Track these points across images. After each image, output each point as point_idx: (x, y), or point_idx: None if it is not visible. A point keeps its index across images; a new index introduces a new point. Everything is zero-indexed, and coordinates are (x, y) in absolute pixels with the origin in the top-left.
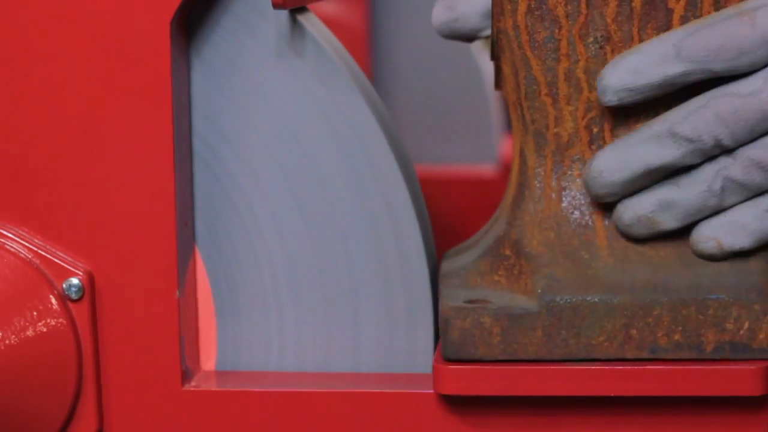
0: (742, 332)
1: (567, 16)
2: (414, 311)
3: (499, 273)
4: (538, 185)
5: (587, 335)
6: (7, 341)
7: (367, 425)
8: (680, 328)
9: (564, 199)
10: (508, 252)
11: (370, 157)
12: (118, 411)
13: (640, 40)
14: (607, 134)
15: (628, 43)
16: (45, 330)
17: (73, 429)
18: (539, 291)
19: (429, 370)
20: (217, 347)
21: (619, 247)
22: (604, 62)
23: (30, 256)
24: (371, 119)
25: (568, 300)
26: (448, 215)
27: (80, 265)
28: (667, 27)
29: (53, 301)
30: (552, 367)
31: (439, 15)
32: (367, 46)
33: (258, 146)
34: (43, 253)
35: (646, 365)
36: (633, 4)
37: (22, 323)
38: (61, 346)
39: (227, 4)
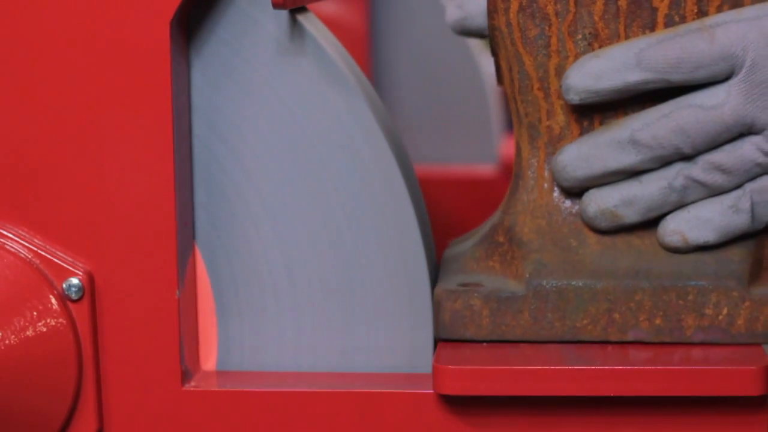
0: (720, 318)
1: (556, 14)
2: (414, 311)
3: (494, 259)
4: (531, 176)
5: (572, 318)
6: (7, 341)
7: (367, 425)
8: (661, 313)
9: (555, 189)
10: (501, 239)
11: (370, 157)
12: (118, 411)
13: (627, 37)
14: (596, 127)
15: (614, 39)
16: (45, 330)
17: (73, 429)
18: (527, 275)
19: (429, 370)
20: (217, 347)
21: (607, 235)
22: None
23: (30, 256)
24: (371, 119)
25: (554, 284)
26: (448, 215)
27: (80, 265)
28: (653, 25)
29: (53, 301)
30: (552, 367)
31: (451, 14)
32: (367, 46)
33: (258, 146)
34: (43, 253)
35: (646, 366)
36: (619, 3)
37: (22, 323)
38: (61, 346)
39: (227, 3)
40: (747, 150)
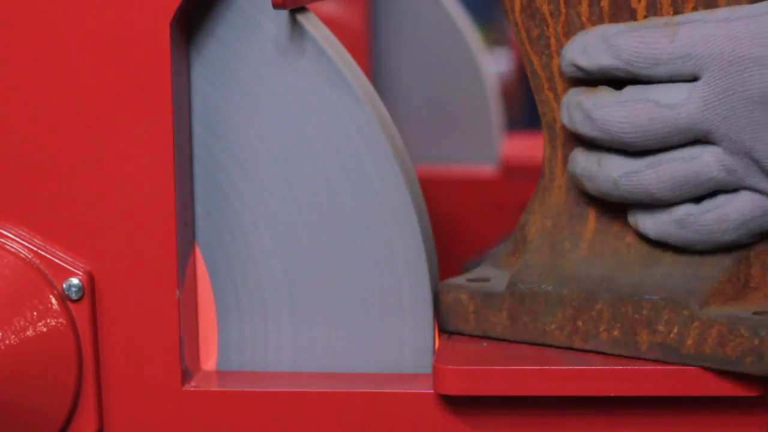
0: (671, 336)
1: (551, 14)
2: (414, 311)
3: (515, 255)
4: (549, 175)
5: (542, 321)
6: (7, 341)
7: (367, 425)
8: (618, 325)
9: (570, 191)
10: (519, 236)
11: (370, 157)
12: (118, 411)
13: None
14: None
15: None
16: (45, 330)
17: (73, 429)
18: (511, 275)
19: (429, 370)
20: (218, 347)
21: (599, 241)
22: None
23: (30, 256)
24: (371, 119)
25: (528, 286)
26: (448, 215)
27: (80, 265)
28: None
29: (53, 301)
30: (552, 368)
31: None
32: (367, 46)
33: (258, 146)
34: (43, 253)
35: (646, 365)
36: (601, 4)
37: (22, 323)
38: (61, 346)
39: (227, 4)
40: (705, 162)
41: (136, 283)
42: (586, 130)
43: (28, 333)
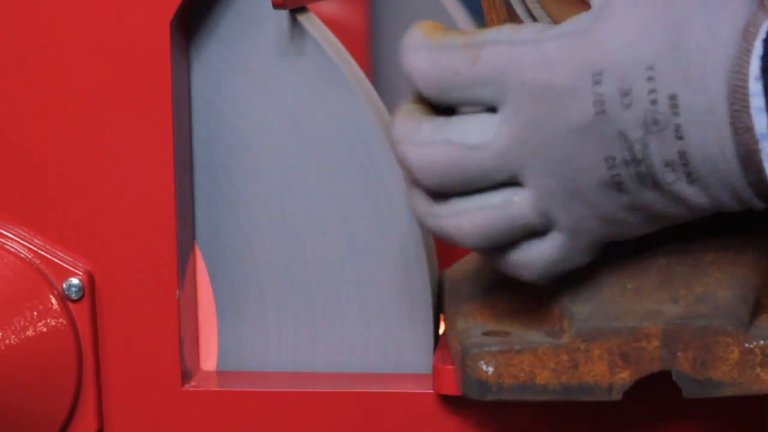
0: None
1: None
2: (414, 311)
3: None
4: None
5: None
6: (7, 341)
7: (367, 425)
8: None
9: None
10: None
11: (370, 157)
12: (118, 411)
13: None
14: None
15: None
16: (45, 330)
17: (73, 429)
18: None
19: (429, 370)
20: (218, 347)
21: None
22: None
23: (30, 256)
24: (371, 119)
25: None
26: None
27: (80, 265)
28: None
29: (53, 301)
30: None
31: None
32: (367, 46)
33: (258, 146)
34: (43, 253)
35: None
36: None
37: (22, 323)
38: (61, 346)
39: (227, 4)
40: (518, 207)
41: (136, 283)
42: (396, 159)
43: (28, 333)
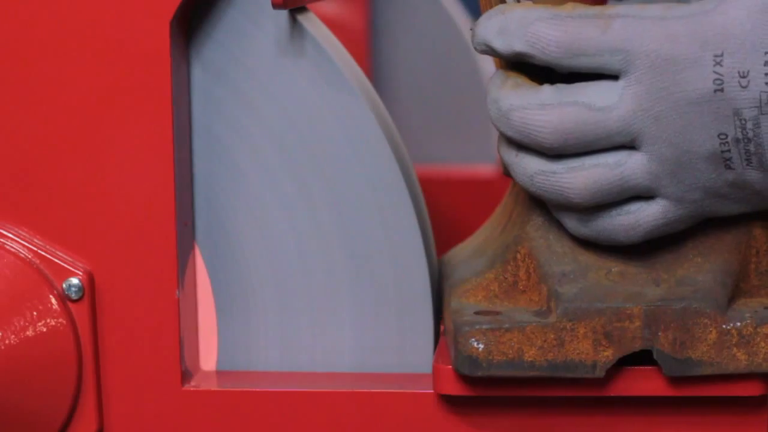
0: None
1: None
2: (414, 311)
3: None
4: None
5: None
6: (7, 341)
7: (367, 425)
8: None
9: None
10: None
11: (370, 157)
12: (118, 411)
13: None
14: None
15: None
16: (45, 330)
17: (73, 429)
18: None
19: (429, 370)
20: (217, 347)
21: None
22: None
23: (30, 256)
24: (371, 119)
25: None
26: (448, 215)
27: (80, 265)
28: None
29: (53, 301)
30: None
31: None
32: (367, 46)
33: (258, 146)
34: (43, 253)
35: (645, 366)
36: None
37: (22, 323)
38: (61, 346)
39: (227, 4)
40: (631, 169)
41: (136, 283)
42: (502, 128)
43: (28, 333)
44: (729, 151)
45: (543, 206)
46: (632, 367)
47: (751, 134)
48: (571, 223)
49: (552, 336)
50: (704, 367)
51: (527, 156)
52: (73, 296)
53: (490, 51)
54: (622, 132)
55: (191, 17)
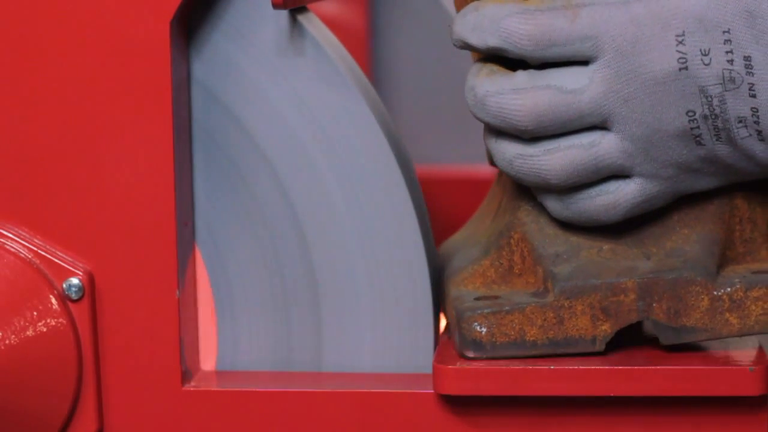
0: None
1: None
2: (414, 311)
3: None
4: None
5: None
6: (7, 341)
7: (367, 425)
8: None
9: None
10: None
11: (370, 158)
12: (118, 411)
13: None
14: None
15: None
16: (45, 330)
17: (73, 429)
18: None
19: (429, 370)
20: (217, 347)
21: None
22: None
23: (30, 256)
24: (371, 119)
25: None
26: (448, 215)
27: (80, 265)
28: None
29: (53, 301)
30: (552, 368)
31: None
32: (367, 46)
33: (257, 146)
34: (43, 253)
35: (646, 365)
36: None
37: (22, 323)
38: (61, 346)
39: (227, 4)
40: (605, 148)
41: (136, 283)
42: (480, 114)
43: (28, 333)
44: (698, 128)
45: (531, 191)
46: (632, 368)
47: (717, 111)
48: (553, 206)
49: (551, 315)
50: (699, 333)
51: (505, 141)
52: (73, 296)
53: (466, 47)
54: (593, 113)
55: (191, 17)
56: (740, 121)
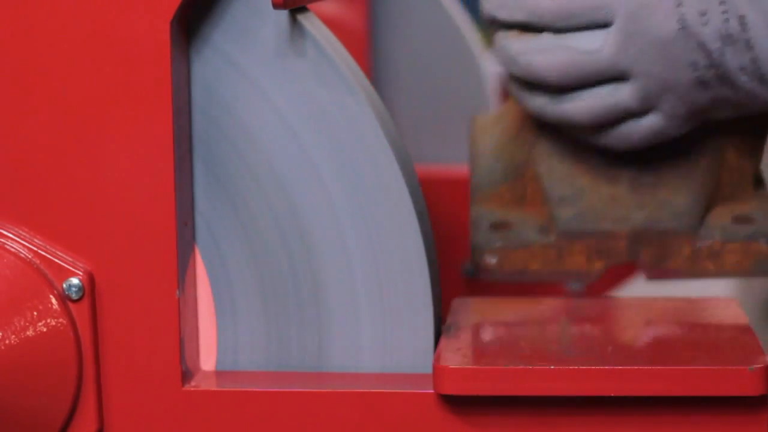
0: None
1: None
2: (414, 311)
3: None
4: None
5: None
6: (7, 341)
7: (367, 425)
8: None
9: None
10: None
11: (370, 158)
12: (118, 411)
13: None
14: None
15: None
16: (45, 330)
17: (73, 429)
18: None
19: (429, 370)
20: (217, 347)
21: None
22: None
23: (30, 256)
24: (371, 119)
25: None
26: (448, 215)
27: (80, 265)
28: None
29: (53, 301)
30: (552, 368)
31: None
32: (367, 46)
33: (258, 145)
34: (43, 253)
35: (646, 366)
36: None
37: (22, 323)
38: (61, 346)
39: (227, 4)
40: (623, 96)
41: (136, 283)
42: (512, 70)
43: (28, 333)
44: (703, 75)
45: (546, 134)
46: (632, 368)
47: (718, 62)
48: (581, 137)
49: (552, 252)
50: (680, 274)
51: (536, 94)
52: (73, 296)
53: (495, 21)
54: (610, 69)
55: (191, 17)
56: (741, 69)
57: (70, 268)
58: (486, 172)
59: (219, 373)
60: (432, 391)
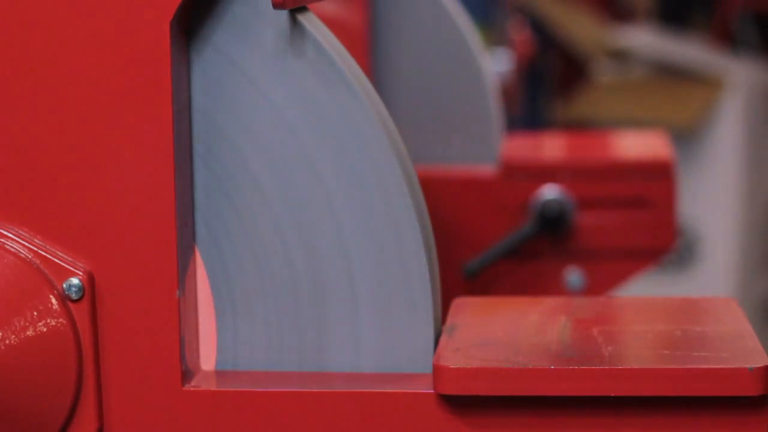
0: None
1: None
2: (414, 311)
3: None
4: None
5: None
6: (7, 341)
7: (367, 425)
8: None
9: None
10: None
11: (370, 157)
12: (118, 411)
13: None
14: None
15: None
16: (45, 330)
17: (73, 429)
18: None
19: (429, 370)
20: (217, 347)
21: None
22: None
23: (30, 256)
24: (371, 119)
25: None
26: (448, 215)
27: (80, 265)
28: None
29: (53, 301)
30: (552, 368)
31: None
32: (367, 46)
33: (258, 145)
34: (43, 253)
35: (646, 366)
36: None
37: (22, 323)
38: (61, 346)
39: (227, 4)
40: None
41: (136, 283)
42: None
43: (28, 333)
44: None
45: None
46: (632, 368)
47: None
48: None
49: None
50: None
51: None
52: (73, 296)
53: None
54: None
55: (191, 17)
56: None
57: (70, 268)
58: None
59: (219, 373)
60: (432, 391)
